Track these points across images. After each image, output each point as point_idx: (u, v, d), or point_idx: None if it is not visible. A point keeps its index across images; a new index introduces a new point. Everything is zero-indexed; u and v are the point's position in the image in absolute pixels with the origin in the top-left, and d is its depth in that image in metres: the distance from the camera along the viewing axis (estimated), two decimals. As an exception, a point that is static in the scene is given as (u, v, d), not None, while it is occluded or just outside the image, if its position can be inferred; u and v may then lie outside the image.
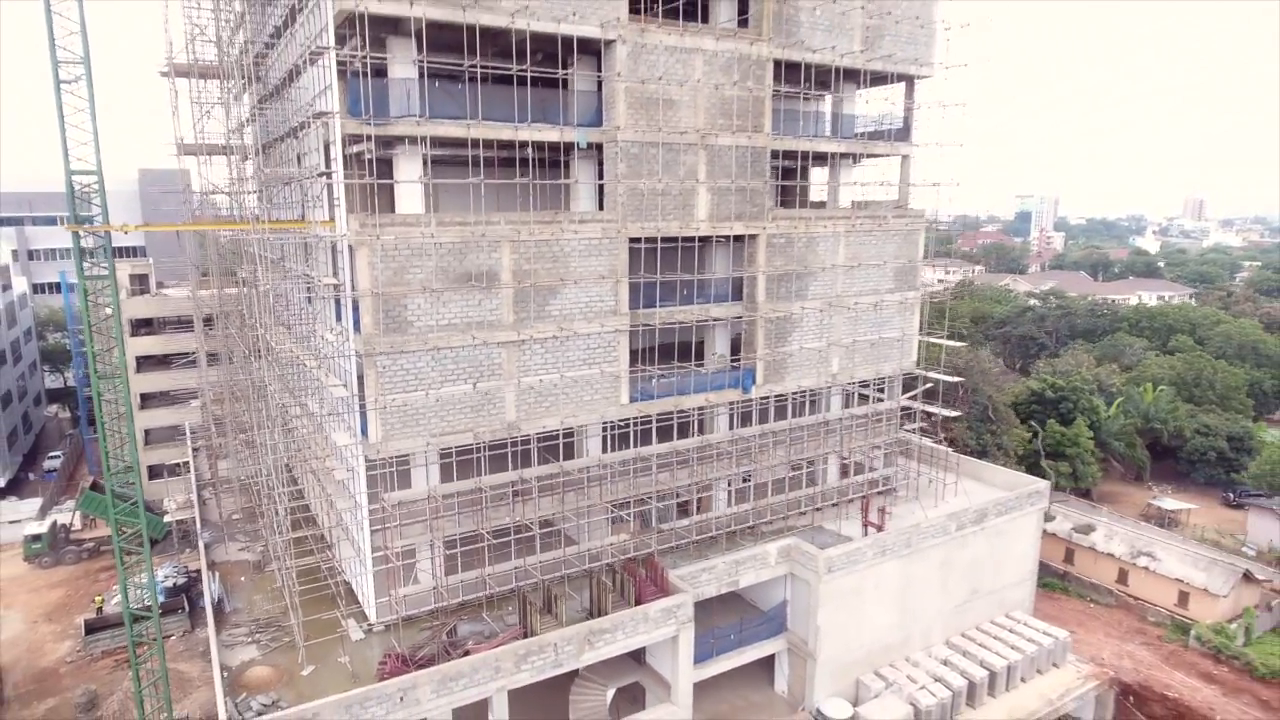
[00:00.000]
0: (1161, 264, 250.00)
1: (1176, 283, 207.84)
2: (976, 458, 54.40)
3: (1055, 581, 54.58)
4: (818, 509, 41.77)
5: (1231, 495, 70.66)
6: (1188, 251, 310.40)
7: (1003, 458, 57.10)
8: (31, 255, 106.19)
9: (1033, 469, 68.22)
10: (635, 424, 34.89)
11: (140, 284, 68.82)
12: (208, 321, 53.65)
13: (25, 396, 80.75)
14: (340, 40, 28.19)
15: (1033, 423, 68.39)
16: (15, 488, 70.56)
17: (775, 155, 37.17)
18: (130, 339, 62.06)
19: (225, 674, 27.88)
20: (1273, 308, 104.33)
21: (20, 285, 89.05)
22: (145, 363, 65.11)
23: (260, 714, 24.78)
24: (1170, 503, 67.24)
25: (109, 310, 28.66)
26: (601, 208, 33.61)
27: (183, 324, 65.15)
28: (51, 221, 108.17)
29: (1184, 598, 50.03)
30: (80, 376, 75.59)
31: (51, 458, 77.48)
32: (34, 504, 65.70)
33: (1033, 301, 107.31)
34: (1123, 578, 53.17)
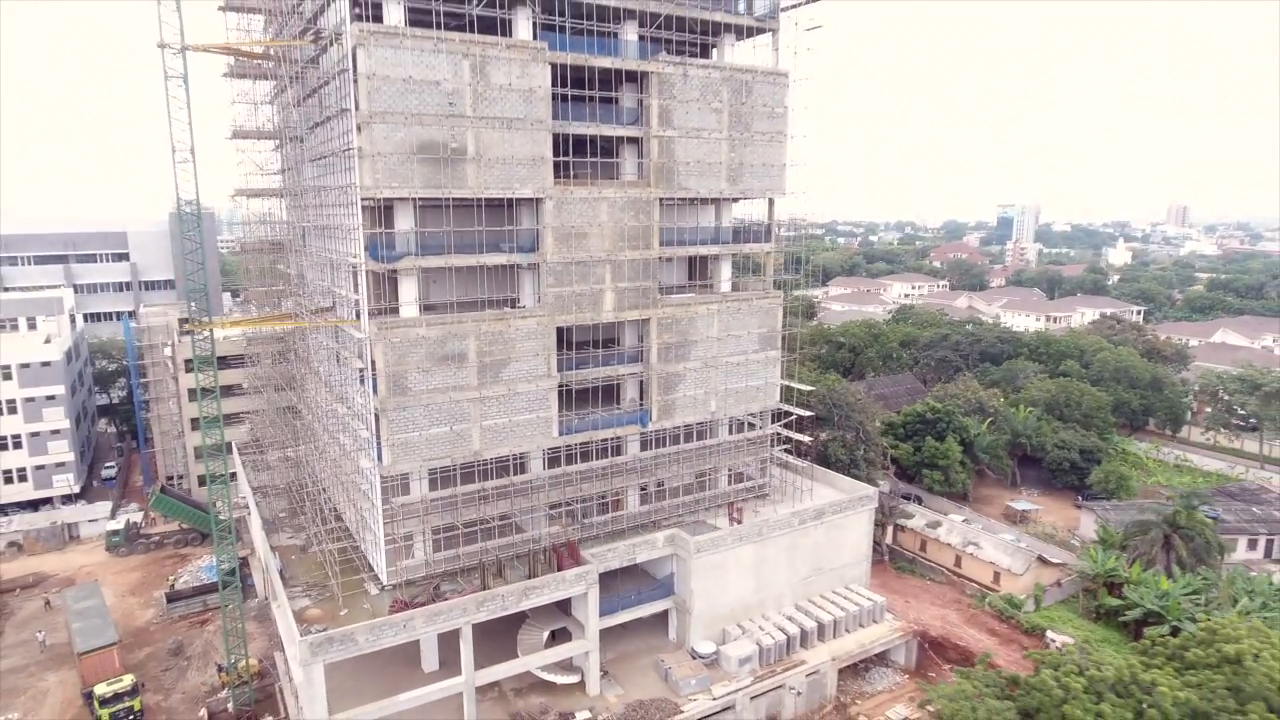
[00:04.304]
0: (1114, 280, 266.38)
1: (1121, 300, 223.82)
2: (847, 469, 70.24)
3: (906, 565, 70.35)
4: (705, 509, 57.50)
5: (1081, 498, 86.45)
6: (1150, 266, 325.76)
7: (869, 469, 72.76)
8: (76, 289, 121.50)
9: (913, 478, 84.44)
10: (564, 450, 50.52)
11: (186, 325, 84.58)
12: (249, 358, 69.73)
13: (88, 416, 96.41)
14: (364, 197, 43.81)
15: (915, 439, 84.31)
16: (83, 493, 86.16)
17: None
18: (185, 375, 77.79)
19: (293, 613, 43.60)
20: (1154, 334, 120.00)
21: (79, 321, 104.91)
22: (193, 392, 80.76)
23: (318, 633, 40.46)
24: (1023, 504, 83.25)
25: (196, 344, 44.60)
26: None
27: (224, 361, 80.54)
28: (92, 259, 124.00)
29: (997, 576, 65.80)
30: (139, 400, 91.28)
31: (108, 467, 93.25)
32: (105, 506, 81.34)
33: (949, 328, 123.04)
34: (958, 562, 68.92)
